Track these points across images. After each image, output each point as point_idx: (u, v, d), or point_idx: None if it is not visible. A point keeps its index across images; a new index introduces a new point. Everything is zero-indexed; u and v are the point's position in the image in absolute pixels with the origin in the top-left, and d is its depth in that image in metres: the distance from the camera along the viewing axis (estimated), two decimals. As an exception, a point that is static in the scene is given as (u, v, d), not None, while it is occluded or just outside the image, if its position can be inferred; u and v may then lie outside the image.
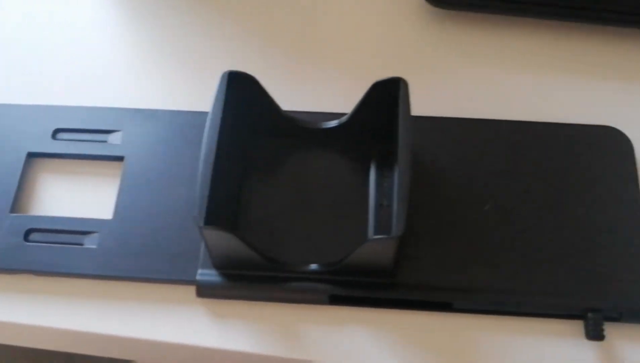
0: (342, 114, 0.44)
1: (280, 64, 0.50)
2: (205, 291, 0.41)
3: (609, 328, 0.40)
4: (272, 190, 0.44)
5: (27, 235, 0.43)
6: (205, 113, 0.43)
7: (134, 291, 0.42)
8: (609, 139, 0.45)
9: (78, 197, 0.45)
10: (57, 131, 0.46)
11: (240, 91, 0.41)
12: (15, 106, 0.47)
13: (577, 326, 0.40)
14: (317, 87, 0.49)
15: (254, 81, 0.41)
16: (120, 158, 0.45)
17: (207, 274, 0.41)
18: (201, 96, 0.46)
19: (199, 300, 0.42)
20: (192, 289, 0.41)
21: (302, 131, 0.44)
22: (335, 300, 0.41)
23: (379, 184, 0.43)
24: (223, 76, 0.41)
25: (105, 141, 0.46)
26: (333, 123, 0.44)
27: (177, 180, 0.44)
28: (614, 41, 0.50)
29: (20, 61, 0.50)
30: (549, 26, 0.50)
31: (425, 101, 0.46)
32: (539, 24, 0.50)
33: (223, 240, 0.38)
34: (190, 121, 0.45)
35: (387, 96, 0.40)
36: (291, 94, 0.47)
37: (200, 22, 0.52)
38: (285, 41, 0.51)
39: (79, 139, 0.46)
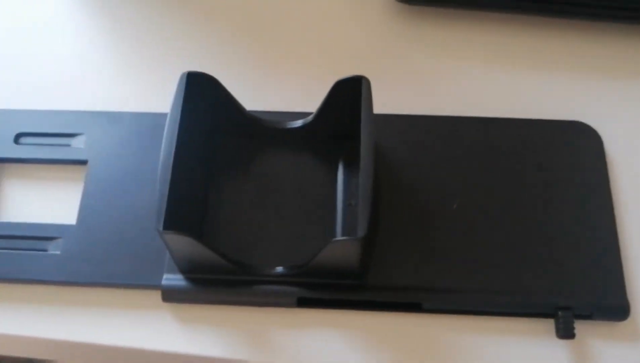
0: (309, 114, 0.43)
1: (245, 63, 0.49)
2: (170, 296, 0.40)
3: (580, 326, 0.39)
4: (239, 192, 0.43)
5: (-11, 242, 0.43)
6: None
7: (100, 297, 0.41)
8: (579, 134, 0.45)
9: (41, 202, 0.44)
10: (19, 136, 0.45)
11: (201, 91, 0.41)
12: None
13: (548, 325, 0.40)
14: (282, 86, 0.48)
15: (214, 81, 0.41)
16: (84, 162, 0.44)
17: (173, 279, 0.40)
18: (166, 97, 0.45)
19: (165, 305, 0.41)
20: (158, 294, 0.41)
21: (267, 131, 0.43)
22: (303, 302, 0.40)
23: (346, 184, 0.43)
24: (182, 77, 0.40)
25: (68, 145, 0.45)
26: (298, 123, 0.43)
27: (141, 183, 0.43)
28: (581, 36, 0.49)
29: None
30: (515, 20, 0.50)
31: (393, 99, 0.46)
32: (505, 18, 0.50)
33: (184, 244, 0.37)
34: (154, 123, 0.44)
35: (351, 94, 0.40)
36: (256, 94, 0.46)
37: (163, 22, 0.51)
38: (249, 40, 0.50)
39: (42, 144, 0.45)
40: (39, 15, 0.51)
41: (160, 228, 0.36)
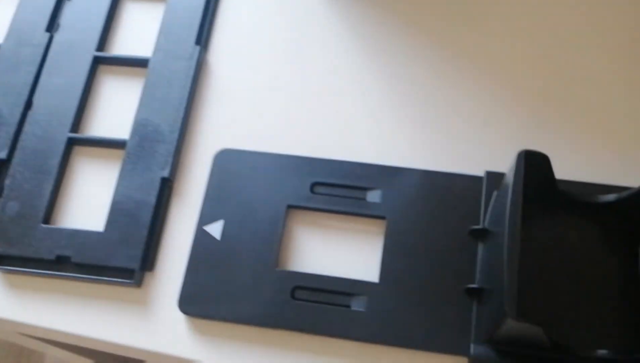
0: (605, 186, 0.43)
1: (541, 129, 0.48)
2: (479, 366, 0.41)
3: None
4: (538, 259, 0.42)
5: (293, 292, 0.43)
6: (467, 176, 0.44)
7: (403, 358, 0.42)
8: None
9: (339, 254, 0.45)
10: (315, 185, 0.46)
11: (531, 169, 0.40)
12: (274, 155, 0.47)
13: None
14: (583, 155, 0.47)
15: (546, 160, 0.40)
16: (381, 217, 0.45)
17: (481, 349, 0.40)
18: (454, 157, 0.46)
19: (470, 374, 0.42)
20: (461, 361, 0.41)
21: (575, 204, 0.43)
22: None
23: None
24: (520, 156, 0.39)
25: (363, 199, 0.46)
26: (610, 198, 0.42)
27: (442, 246, 0.44)
28: None
29: (275, 111, 0.50)
30: None
31: None
32: None
33: (524, 330, 0.37)
34: (453, 184, 0.45)
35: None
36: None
37: (450, 85, 0.50)
38: (549, 105, 0.49)
39: (337, 195, 0.46)
40: (344, 62, 0.51)
41: (514, 316, 0.36)
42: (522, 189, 0.38)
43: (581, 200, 0.43)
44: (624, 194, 0.42)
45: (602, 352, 0.39)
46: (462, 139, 0.47)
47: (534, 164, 0.40)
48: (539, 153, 0.40)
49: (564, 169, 0.45)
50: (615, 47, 0.50)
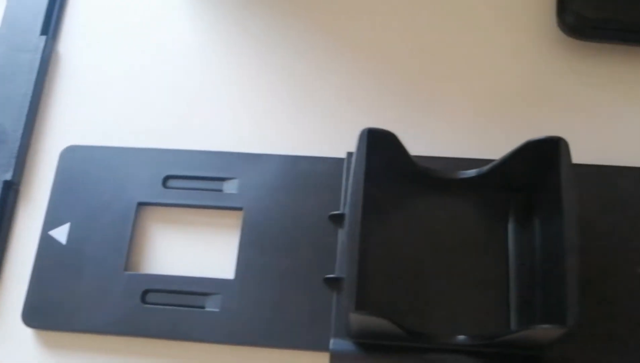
0: (465, 160, 0.41)
1: (401, 105, 0.45)
2: (339, 361, 0.38)
3: None
4: (398, 245, 0.40)
5: (144, 296, 0.41)
6: (329, 159, 0.41)
7: (261, 357, 0.39)
8: None
9: (194, 252, 0.42)
10: (167, 178, 0.43)
11: (379, 147, 0.37)
12: (123, 149, 0.44)
13: None
14: (438, 129, 0.44)
15: (393, 137, 0.38)
16: (238, 209, 0.42)
17: (341, 344, 0.38)
18: (316, 140, 0.43)
19: (332, 370, 0.39)
20: (323, 357, 0.38)
21: (434, 181, 0.41)
22: (480, 373, 0.38)
23: (519, 242, 0.40)
24: (362, 134, 0.37)
25: (219, 190, 0.43)
26: (470, 173, 0.40)
27: (302, 235, 0.41)
28: None
29: (128, 102, 0.47)
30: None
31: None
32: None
33: (372, 322, 0.35)
34: (314, 168, 0.42)
35: (540, 152, 0.37)
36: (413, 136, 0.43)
37: (311, 63, 0.47)
38: (409, 79, 0.46)
39: (191, 188, 0.43)
40: (192, 49, 0.48)
41: (353, 310, 0.33)
42: (363, 171, 0.36)
43: (442, 177, 0.40)
44: (485, 168, 0.39)
45: (460, 337, 0.37)
46: (327, 121, 0.45)
47: (380, 143, 0.37)
48: (383, 131, 0.37)
49: (432, 145, 0.43)
50: (471, 22, 0.47)
